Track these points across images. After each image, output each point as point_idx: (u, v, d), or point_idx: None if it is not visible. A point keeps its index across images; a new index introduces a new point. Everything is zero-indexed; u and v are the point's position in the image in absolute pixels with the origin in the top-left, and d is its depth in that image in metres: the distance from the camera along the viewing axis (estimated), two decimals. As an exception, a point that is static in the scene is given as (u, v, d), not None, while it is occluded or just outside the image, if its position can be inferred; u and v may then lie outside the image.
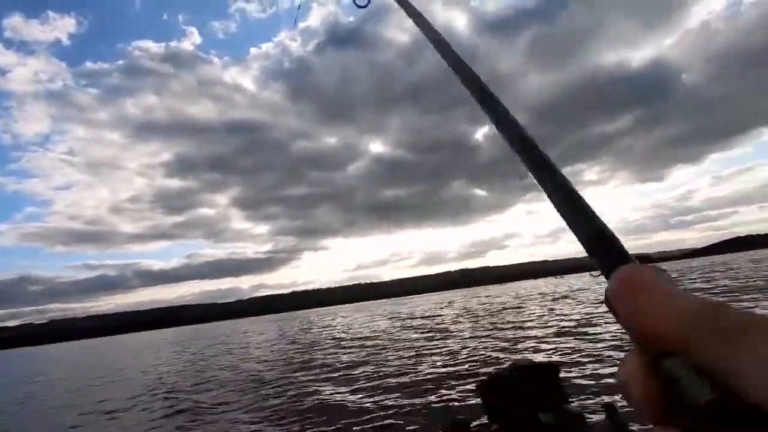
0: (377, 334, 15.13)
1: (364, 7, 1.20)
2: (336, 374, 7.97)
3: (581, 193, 0.39)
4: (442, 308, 28.70)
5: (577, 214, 0.38)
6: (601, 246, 0.37)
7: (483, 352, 8.06)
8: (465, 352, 8.39)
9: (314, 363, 9.94)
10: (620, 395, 0.34)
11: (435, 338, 11.43)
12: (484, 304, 26.63)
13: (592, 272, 0.36)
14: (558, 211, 0.39)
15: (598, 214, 0.38)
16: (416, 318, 21.68)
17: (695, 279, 22.98)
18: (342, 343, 14.04)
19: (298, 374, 8.53)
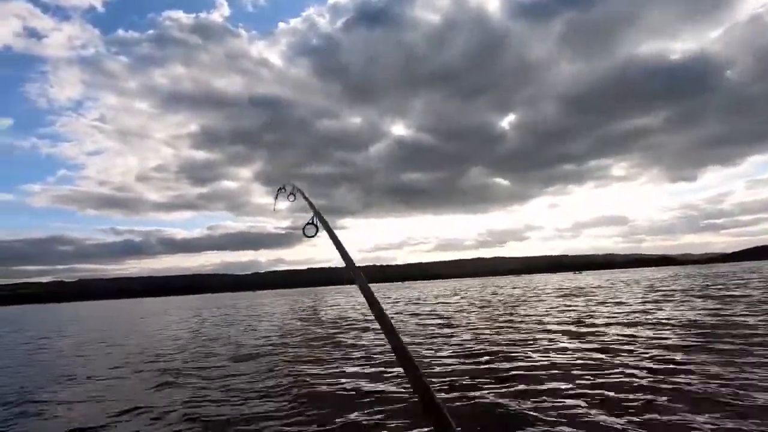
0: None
1: (312, 237, 1.45)
2: (335, 354, 7.84)
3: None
4: (451, 296, 28.47)
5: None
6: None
7: (470, 345, 7.78)
8: (455, 343, 8.13)
9: (314, 342, 9.86)
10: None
11: (432, 326, 11.20)
12: (495, 295, 26.26)
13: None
14: None
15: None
16: (422, 303, 21.52)
17: (723, 284, 22.01)
18: (343, 324, 13.97)
19: (294, 351, 8.45)
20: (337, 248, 0.88)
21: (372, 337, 9.88)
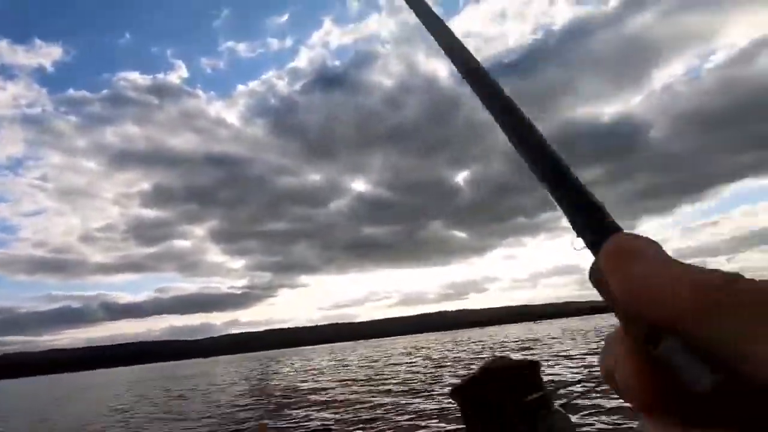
0: (330, 385, 14.35)
1: None
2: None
3: (565, 162, 0.35)
4: (408, 354, 27.87)
5: (561, 182, 0.34)
6: (587, 216, 0.33)
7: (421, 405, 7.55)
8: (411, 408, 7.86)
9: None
10: (602, 382, 0.28)
11: (378, 393, 10.82)
12: (452, 350, 25.95)
13: (574, 245, 0.32)
14: (540, 179, 0.35)
15: (584, 185, 0.34)
16: (375, 364, 20.87)
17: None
18: (296, 395, 13.23)
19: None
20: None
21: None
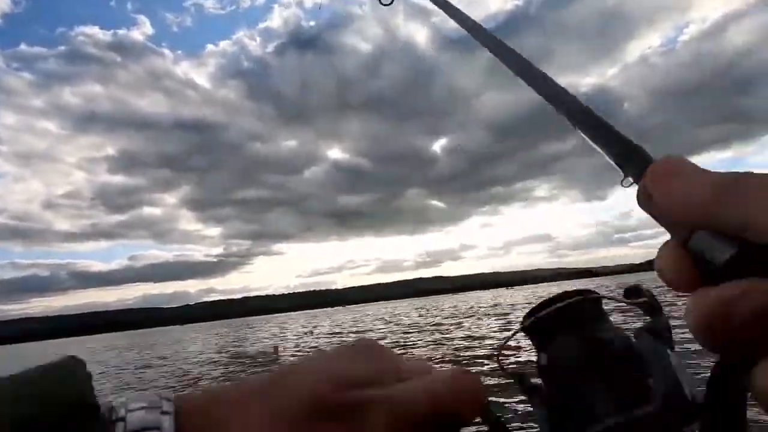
0: (304, 348, 14.14)
1: (389, 4, 1.19)
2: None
3: (600, 116, 0.41)
4: (386, 320, 28.01)
5: (599, 130, 0.41)
6: (629, 154, 0.40)
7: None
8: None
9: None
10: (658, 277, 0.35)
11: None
12: (424, 317, 26.21)
13: (623, 183, 0.39)
14: (581, 130, 0.42)
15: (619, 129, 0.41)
16: (352, 332, 20.82)
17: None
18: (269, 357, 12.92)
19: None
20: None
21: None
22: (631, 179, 0.39)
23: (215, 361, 13.63)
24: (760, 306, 0.31)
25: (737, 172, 0.35)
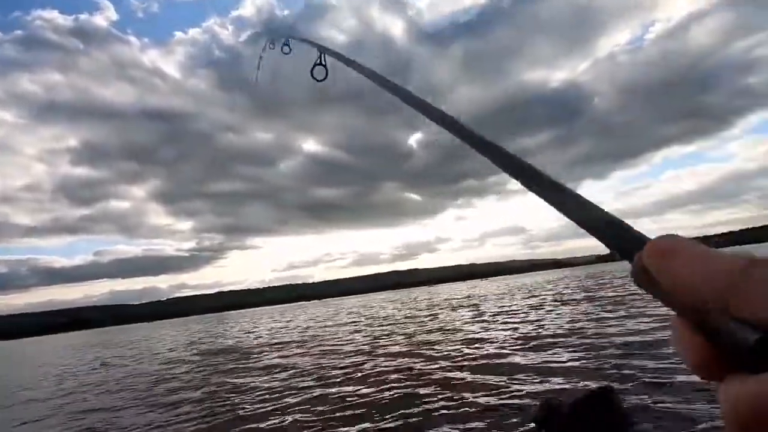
0: (285, 341, 13.81)
1: (322, 80, 1.24)
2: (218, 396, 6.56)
3: (576, 191, 0.41)
4: (361, 313, 27.85)
5: (583, 211, 0.41)
6: (615, 233, 0.40)
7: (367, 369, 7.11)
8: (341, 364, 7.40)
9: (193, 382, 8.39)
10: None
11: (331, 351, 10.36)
12: (400, 309, 26.19)
13: (615, 258, 0.39)
14: (563, 213, 0.41)
15: (597, 204, 0.41)
16: (326, 324, 20.56)
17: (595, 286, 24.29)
18: (248, 349, 12.49)
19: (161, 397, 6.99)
20: (373, 79, 0.79)
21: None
22: (618, 253, 0.39)
23: (182, 359, 13.11)
24: None
25: (743, 259, 0.37)
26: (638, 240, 0.39)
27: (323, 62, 1.31)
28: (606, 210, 0.41)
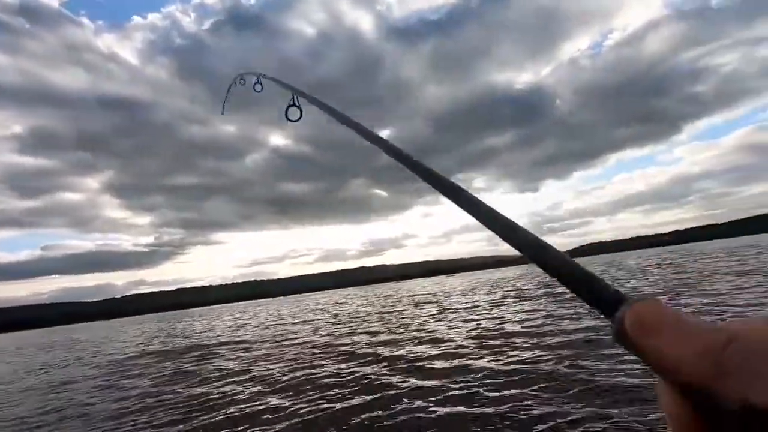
0: (239, 338, 13.29)
1: (296, 121, 1.26)
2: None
3: (551, 244, 0.42)
4: (326, 310, 27.48)
5: (563, 269, 0.41)
6: (593, 291, 0.41)
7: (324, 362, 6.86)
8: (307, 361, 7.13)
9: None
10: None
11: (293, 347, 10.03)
12: (365, 305, 26.04)
13: (593, 312, 0.42)
14: (542, 268, 0.41)
15: (571, 258, 0.41)
16: (291, 320, 20.09)
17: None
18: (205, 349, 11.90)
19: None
20: (347, 123, 0.79)
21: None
22: (596, 311, 0.40)
23: (131, 357, 12.36)
24: None
25: (724, 333, 0.38)
26: (615, 299, 0.40)
27: (296, 103, 1.31)
28: (582, 266, 0.40)
